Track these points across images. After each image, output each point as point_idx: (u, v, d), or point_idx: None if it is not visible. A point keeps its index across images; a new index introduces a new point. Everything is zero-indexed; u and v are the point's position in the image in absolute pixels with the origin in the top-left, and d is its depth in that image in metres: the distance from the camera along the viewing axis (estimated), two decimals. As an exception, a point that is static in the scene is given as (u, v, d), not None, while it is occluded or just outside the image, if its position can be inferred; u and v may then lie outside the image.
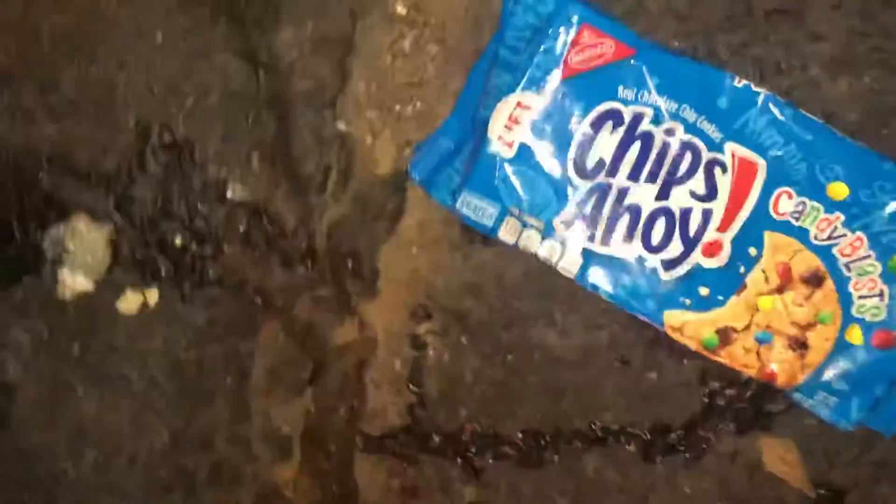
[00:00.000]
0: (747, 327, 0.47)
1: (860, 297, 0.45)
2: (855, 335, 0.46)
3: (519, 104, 0.47)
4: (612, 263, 0.47)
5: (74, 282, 0.53)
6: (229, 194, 0.54)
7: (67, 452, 0.57)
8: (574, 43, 0.46)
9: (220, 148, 0.54)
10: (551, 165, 0.47)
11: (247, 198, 0.54)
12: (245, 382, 0.55)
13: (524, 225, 0.48)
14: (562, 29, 0.46)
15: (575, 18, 0.46)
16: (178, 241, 0.54)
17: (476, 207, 0.48)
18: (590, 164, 0.47)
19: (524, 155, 0.47)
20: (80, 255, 0.54)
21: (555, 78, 0.47)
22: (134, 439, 0.56)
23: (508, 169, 0.48)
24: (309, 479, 0.57)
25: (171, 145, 0.54)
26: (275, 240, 0.54)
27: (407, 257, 0.54)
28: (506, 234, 0.48)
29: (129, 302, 0.54)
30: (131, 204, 0.54)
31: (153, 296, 0.54)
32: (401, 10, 0.54)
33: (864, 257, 0.45)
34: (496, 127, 0.47)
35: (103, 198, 0.55)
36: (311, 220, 0.54)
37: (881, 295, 0.45)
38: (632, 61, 0.46)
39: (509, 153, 0.48)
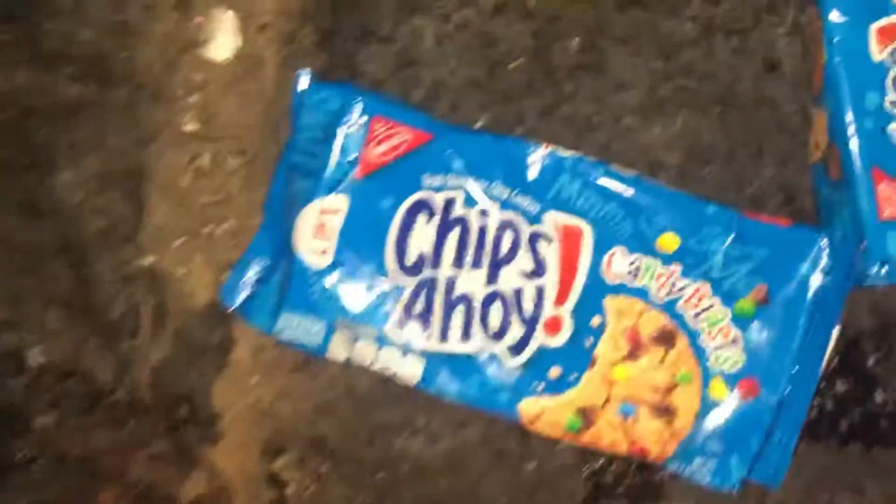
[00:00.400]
0: (607, 402, 0.43)
1: (715, 349, 0.43)
2: (719, 389, 0.43)
3: (323, 210, 0.43)
4: (455, 361, 0.44)
5: None
6: (29, 361, 0.48)
7: None
8: (368, 137, 0.43)
9: (10, 311, 0.48)
10: (370, 268, 0.43)
11: (50, 360, 0.48)
12: (86, 567, 0.49)
13: (355, 337, 0.44)
14: (352, 124, 0.43)
15: (363, 112, 0.43)
16: (-25, 426, 0.48)
17: (299, 327, 0.44)
18: (410, 259, 0.43)
19: (339, 262, 0.43)
20: None
21: (355, 176, 0.43)
22: None
23: (326, 280, 0.44)
24: None
25: (-50, 319, 0.48)
26: (94, 398, 0.49)
27: (246, 390, 0.49)
28: (336, 350, 0.44)
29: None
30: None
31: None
32: (192, 127, 0.50)
33: (710, 306, 0.43)
34: (304, 237, 0.44)
35: None
36: (131, 370, 0.49)
37: (735, 342, 0.43)
38: (432, 146, 0.43)
39: (323, 263, 0.44)
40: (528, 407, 0.43)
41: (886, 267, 0.41)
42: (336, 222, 0.43)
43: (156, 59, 0.49)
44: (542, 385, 0.43)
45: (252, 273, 0.46)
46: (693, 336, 0.43)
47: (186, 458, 0.49)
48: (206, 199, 0.49)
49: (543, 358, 0.43)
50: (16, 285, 0.48)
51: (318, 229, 0.44)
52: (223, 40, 0.50)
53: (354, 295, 0.43)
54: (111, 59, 0.49)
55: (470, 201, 0.43)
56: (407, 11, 0.49)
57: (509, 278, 0.43)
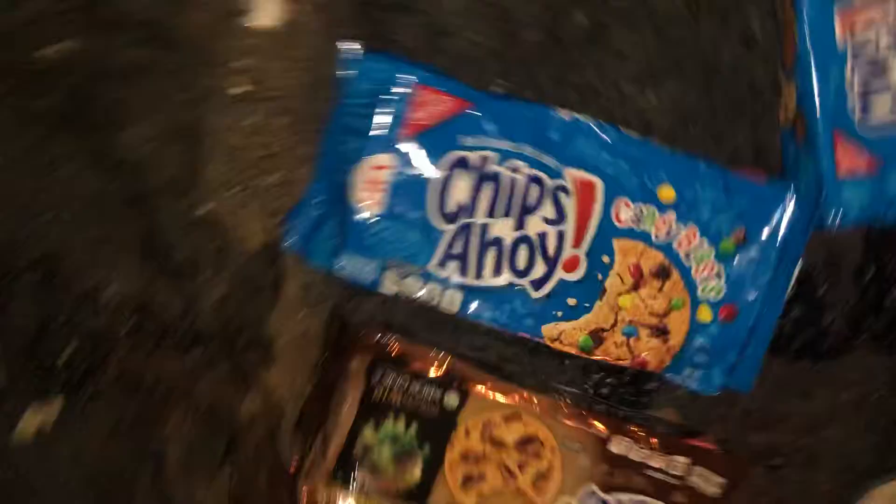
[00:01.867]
0: (614, 325, 0.52)
1: (703, 281, 0.52)
2: (705, 314, 0.52)
3: (373, 166, 0.50)
4: (488, 294, 0.52)
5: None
6: (107, 297, 0.54)
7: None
8: (412, 103, 0.50)
9: (88, 255, 0.54)
10: (416, 216, 0.51)
11: (126, 296, 0.54)
12: (163, 473, 0.56)
13: (403, 274, 0.52)
14: (399, 91, 0.50)
15: (410, 81, 0.50)
16: (66, 354, 0.54)
17: (355, 266, 0.51)
18: (450, 208, 0.51)
19: (389, 211, 0.51)
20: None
21: (400, 137, 0.50)
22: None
23: (378, 226, 0.51)
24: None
25: (37, 262, 0.53)
26: (164, 330, 0.55)
27: (296, 321, 0.56)
28: (388, 285, 0.52)
29: (27, 424, 0.54)
30: (10, 331, 0.53)
31: (52, 411, 0.54)
32: (243, 89, 0.55)
33: (699, 246, 0.52)
34: (357, 190, 0.51)
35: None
36: (196, 304, 0.55)
37: (719, 275, 0.52)
38: (469, 112, 0.50)
39: (376, 212, 0.51)
40: (550, 330, 0.52)
41: (840, 215, 0.51)
42: (386, 177, 0.50)
43: (206, 25, 0.54)
44: (561, 312, 0.52)
45: (309, 219, 0.53)
46: (685, 271, 0.52)
47: (245, 380, 0.56)
48: (257, 154, 0.55)
49: (563, 290, 0.52)
50: (91, 233, 0.54)
51: (370, 182, 0.51)
52: (267, 9, 0.55)
53: (402, 238, 0.51)
54: (165, 25, 0.54)
55: (502, 160, 0.51)
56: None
57: (535, 225, 0.51)
